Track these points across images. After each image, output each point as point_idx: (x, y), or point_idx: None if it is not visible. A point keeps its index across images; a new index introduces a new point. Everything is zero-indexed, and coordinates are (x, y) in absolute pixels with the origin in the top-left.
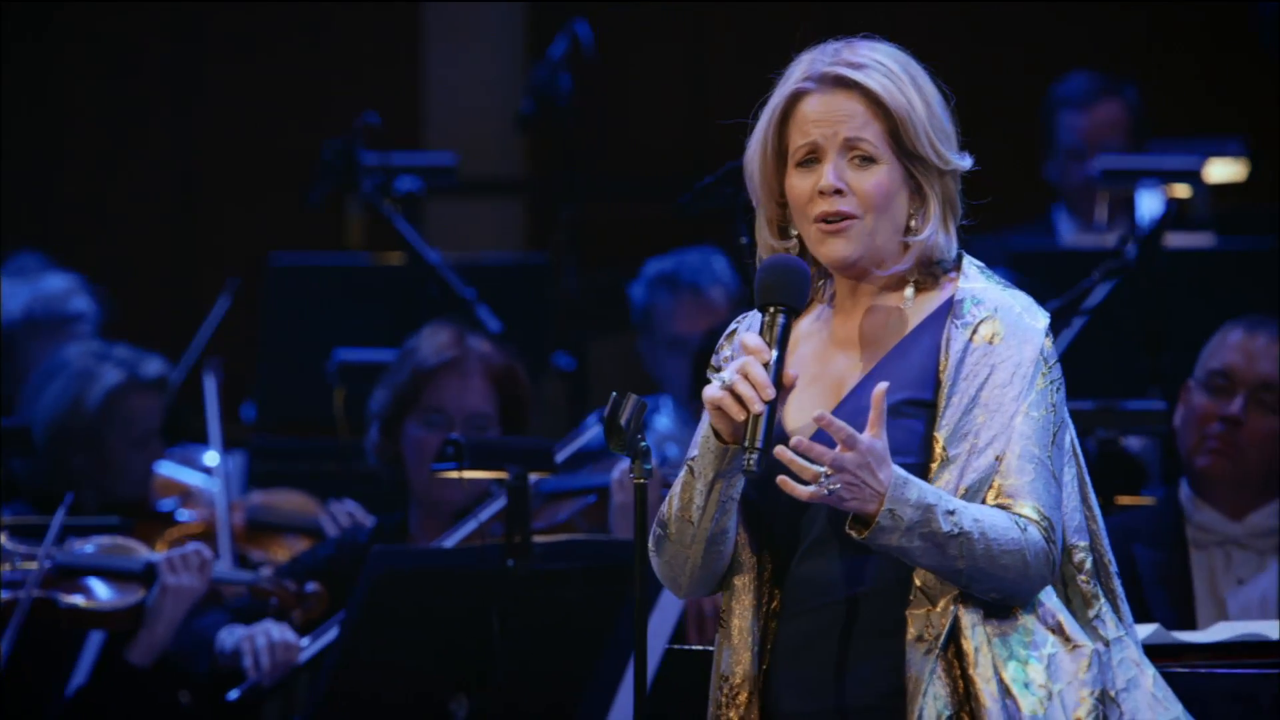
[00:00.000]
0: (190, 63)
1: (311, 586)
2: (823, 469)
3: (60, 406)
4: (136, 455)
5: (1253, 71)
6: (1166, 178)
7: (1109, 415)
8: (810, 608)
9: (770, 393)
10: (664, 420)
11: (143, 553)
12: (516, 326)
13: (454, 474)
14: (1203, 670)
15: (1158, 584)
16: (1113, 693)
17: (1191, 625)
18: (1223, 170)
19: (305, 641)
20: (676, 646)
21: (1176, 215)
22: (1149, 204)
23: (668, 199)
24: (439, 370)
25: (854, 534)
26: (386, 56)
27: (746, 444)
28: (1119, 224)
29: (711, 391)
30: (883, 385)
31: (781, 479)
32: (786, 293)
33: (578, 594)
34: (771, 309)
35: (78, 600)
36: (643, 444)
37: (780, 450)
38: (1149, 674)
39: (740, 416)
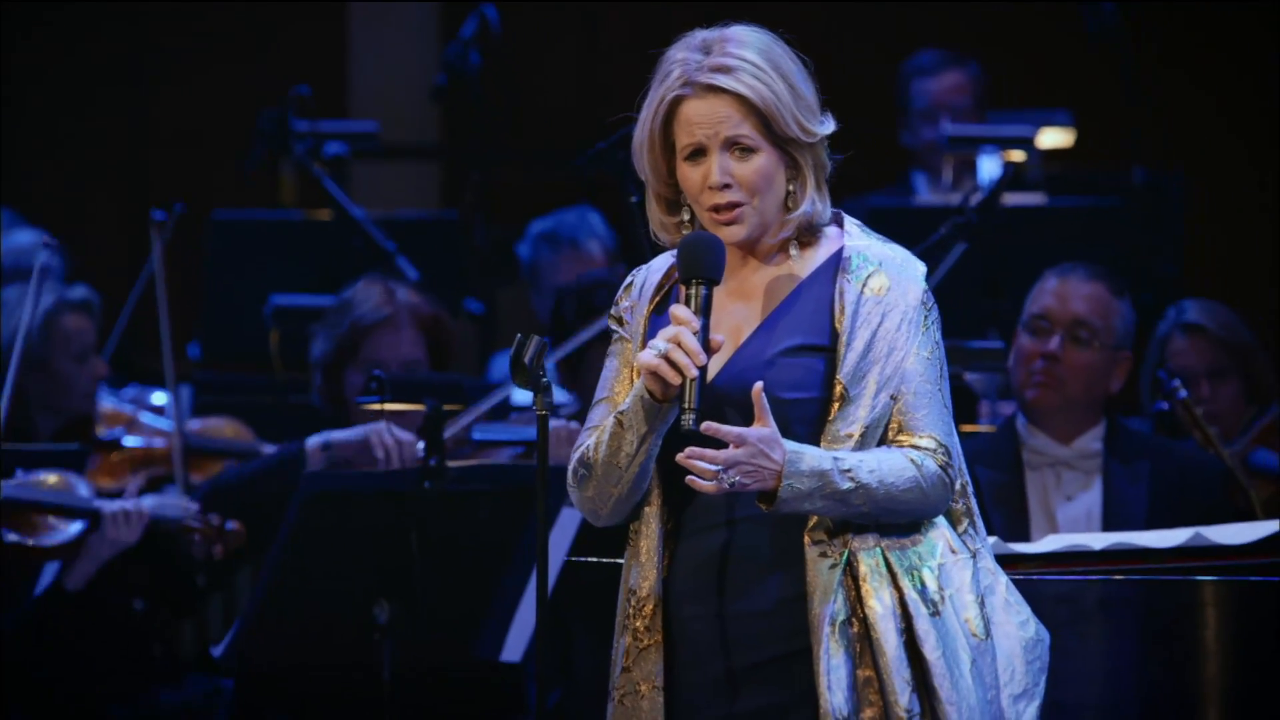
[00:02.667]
0: (142, 42)
1: (231, 525)
2: (719, 467)
3: (5, 337)
4: (79, 370)
5: (1078, 52)
6: (1004, 144)
7: (953, 353)
8: (708, 525)
9: (702, 359)
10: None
11: (82, 489)
12: (431, 275)
13: (377, 406)
14: (1035, 577)
15: (996, 501)
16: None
17: (1026, 537)
18: (1052, 138)
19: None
20: (573, 559)
21: (1012, 177)
22: (988, 167)
23: (565, 162)
24: (374, 327)
25: (763, 507)
26: (316, 35)
27: (685, 405)
28: (963, 184)
29: (647, 357)
30: (759, 384)
31: (690, 479)
32: (706, 267)
33: (486, 513)
34: (695, 282)
35: (22, 536)
36: (544, 379)
37: (680, 457)
38: (1002, 581)
39: (676, 381)
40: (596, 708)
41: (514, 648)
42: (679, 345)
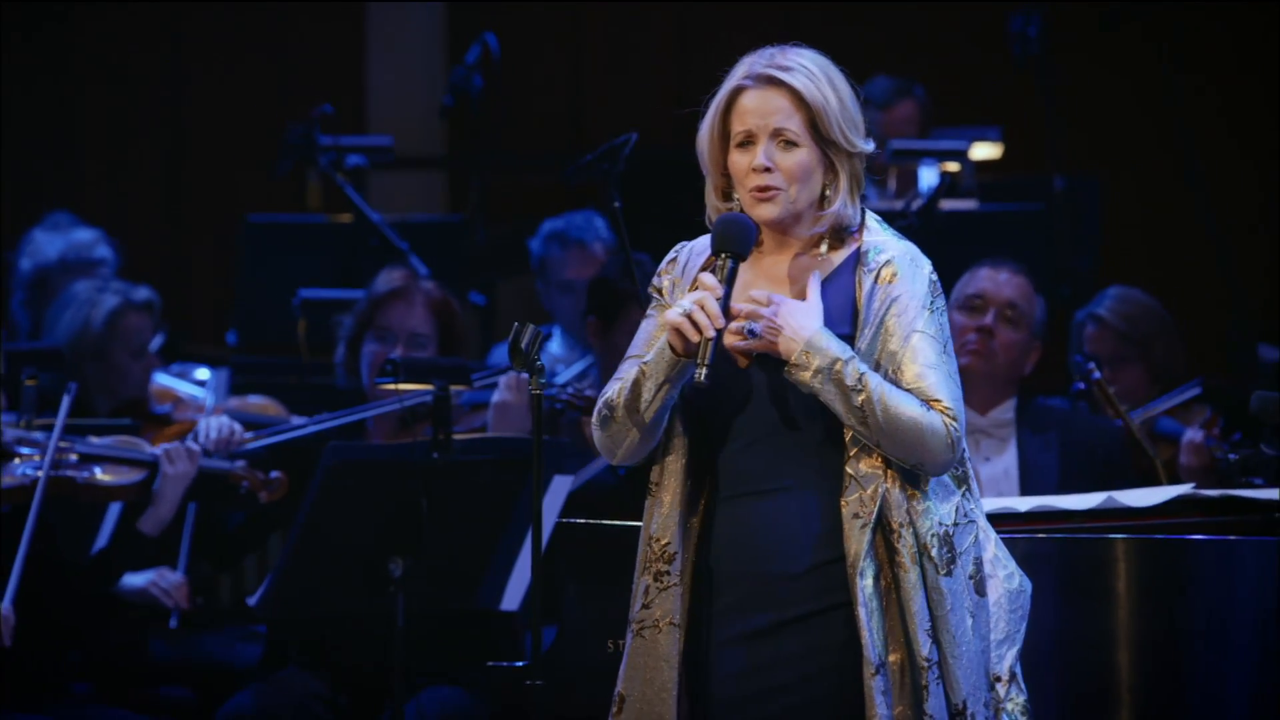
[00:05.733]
0: (180, 62)
1: (275, 474)
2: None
3: (74, 328)
4: (135, 363)
5: (1006, 74)
6: (941, 156)
7: None
8: (746, 491)
9: (721, 322)
10: (554, 346)
11: (146, 447)
12: (439, 271)
13: (392, 386)
14: None
15: None
16: None
17: None
18: (984, 151)
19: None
20: (564, 520)
21: (949, 185)
22: (928, 177)
23: (555, 171)
24: (388, 295)
25: (787, 375)
26: (337, 59)
27: (699, 361)
28: (906, 192)
29: (673, 315)
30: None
31: (728, 342)
32: (736, 243)
33: (488, 480)
34: (723, 255)
35: (91, 476)
36: (539, 363)
37: (736, 307)
38: (992, 538)
39: (695, 338)
40: (584, 650)
41: (512, 598)
42: (702, 307)
